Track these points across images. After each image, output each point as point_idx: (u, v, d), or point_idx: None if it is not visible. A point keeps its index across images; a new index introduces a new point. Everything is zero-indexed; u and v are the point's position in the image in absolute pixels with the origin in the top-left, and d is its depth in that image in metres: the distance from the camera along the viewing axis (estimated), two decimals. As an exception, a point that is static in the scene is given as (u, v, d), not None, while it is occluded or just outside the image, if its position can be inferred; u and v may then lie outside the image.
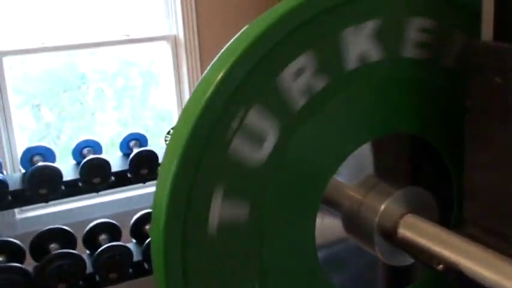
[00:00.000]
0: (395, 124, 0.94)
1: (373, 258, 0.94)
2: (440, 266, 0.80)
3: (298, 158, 0.86)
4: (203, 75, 0.83)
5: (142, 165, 2.56)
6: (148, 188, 2.86)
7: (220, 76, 0.80)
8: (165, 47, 3.11)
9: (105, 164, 2.51)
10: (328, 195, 0.91)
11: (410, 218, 0.89)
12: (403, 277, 1.01)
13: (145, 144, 2.74)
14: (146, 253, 2.57)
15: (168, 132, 2.74)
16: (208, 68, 0.83)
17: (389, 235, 0.89)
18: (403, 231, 0.88)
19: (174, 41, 3.07)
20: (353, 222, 0.92)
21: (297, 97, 0.85)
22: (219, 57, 0.82)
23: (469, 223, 0.89)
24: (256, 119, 0.82)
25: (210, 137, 0.80)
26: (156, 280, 0.83)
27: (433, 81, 0.95)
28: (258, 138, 0.83)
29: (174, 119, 3.14)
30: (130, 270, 2.56)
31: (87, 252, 2.60)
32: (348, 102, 0.89)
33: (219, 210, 0.82)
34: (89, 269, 2.48)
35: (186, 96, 3.07)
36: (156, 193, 0.83)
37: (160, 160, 2.57)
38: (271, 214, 0.85)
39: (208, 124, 0.80)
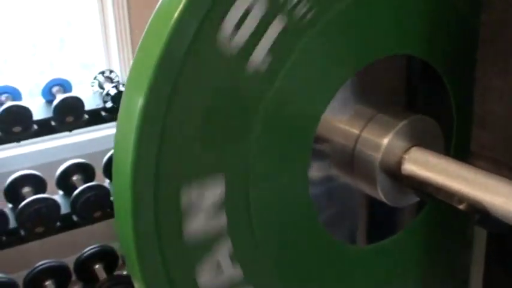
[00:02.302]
0: (389, 47, 0.78)
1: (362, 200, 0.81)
2: (463, 204, 0.67)
3: (284, 98, 0.69)
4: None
5: (67, 113, 2.30)
6: (75, 137, 2.62)
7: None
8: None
9: (26, 111, 2.24)
10: (321, 133, 0.74)
11: (417, 152, 0.74)
12: (394, 221, 0.88)
13: (70, 90, 2.46)
14: (74, 205, 2.35)
15: (95, 78, 2.49)
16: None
17: (394, 173, 0.74)
18: (410, 167, 0.74)
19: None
20: (350, 160, 0.77)
21: None
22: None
23: (476, 156, 0.76)
24: None
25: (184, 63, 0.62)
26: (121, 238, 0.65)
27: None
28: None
29: (97, 67, 2.86)
30: (58, 223, 2.33)
31: (9, 205, 2.35)
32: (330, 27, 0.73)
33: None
34: (12, 223, 2.25)
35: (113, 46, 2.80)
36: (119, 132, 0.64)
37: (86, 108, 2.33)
38: (260, 156, 0.68)
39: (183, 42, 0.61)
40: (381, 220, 0.86)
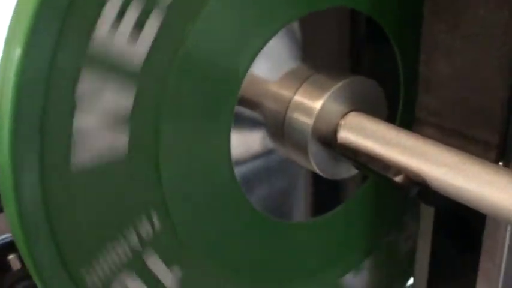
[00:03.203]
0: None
1: (298, 172, 0.72)
2: (399, 176, 0.59)
3: (198, 54, 0.60)
4: None
5: None
6: None
7: None
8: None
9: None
10: (244, 97, 0.65)
11: (354, 117, 0.65)
12: (333, 195, 0.79)
13: None
14: None
15: None
16: None
17: (328, 141, 0.66)
18: (346, 134, 0.65)
19: None
20: (280, 128, 0.68)
21: None
22: None
23: (421, 122, 0.67)
24: None
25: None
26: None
27: None
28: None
29: None
30: None
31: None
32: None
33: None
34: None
35: None
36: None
37: None
38: (170, 128, 0.59)
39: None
40: (319, 194, 0.77)
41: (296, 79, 0.67)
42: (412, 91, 0.68)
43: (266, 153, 0.70)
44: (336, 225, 0.75)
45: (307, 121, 0.64)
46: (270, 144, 0.69)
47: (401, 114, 0.75)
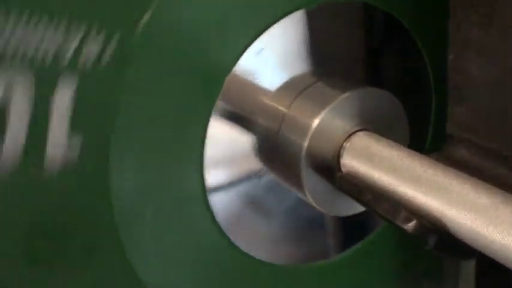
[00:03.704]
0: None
1: (297, 204, 0.58)
2: (411, 223, 0.44)
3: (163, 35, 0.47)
4: None
5: None
6: None
7: None
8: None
9: None
10: (226, 107, 0.52)
11: (362, 139, 0.51)
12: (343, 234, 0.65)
13: None
14: None
15: None
16: None
17: (328, 168, 0.52)
18: (351, 161, 0.51)
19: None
20: (272, 150, 0.55)
21: None
22: None
23: (453, 141, 0.53)
24: None
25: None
26: None
27: None
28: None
29: None
30: None
31: None
32: None
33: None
34: None
35: None
36: None
37: None
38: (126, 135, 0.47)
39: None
40: (325, 232, 0.63)
41: (294, 88, 0.54)
42: (446, 102, 0.54)
43: (255, 179, 0.57)
44: (345, 270, 0.61)
45: (300, 142, 0.50)
46: (260, 168, 0.56)
47: (433, 132, 0.60)
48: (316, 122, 0.49)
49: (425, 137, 0.59)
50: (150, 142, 0.47)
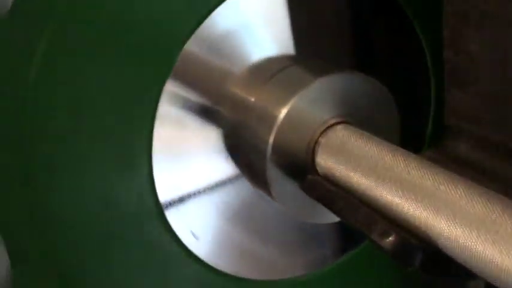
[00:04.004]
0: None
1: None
2: (389, 238, 0.36)
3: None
4: None
5: None
6: None
7: None
8: None
9: None
10: (178, 89, 0.44)
11: (340, 133, 0.43)
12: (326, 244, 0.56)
13: None
14: None
15: None
16: None
17: (299, 168, 0.44)
18: (325, 161, 0.43)
19: None
20: (236, 146, 0.47)
21: None
22: None
23: (454, 133, 0.44)
24: None
25: None
26: None
27: None
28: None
29: None
30: None
31: None
32: None
33: None
34: None
35: None
36: None
37: None
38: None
39: None
40: (306, 241, 0.54)
41: (264, 72, 0.46)
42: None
43: (222, 182, 0.49)
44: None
45: (266, 136, 0.42)
46: (223, 167, 0.48)
47: (433, 125, 0.51)
48: (283, 112, 0.41)
49: (423, 131, 0.51)
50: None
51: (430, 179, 0.35)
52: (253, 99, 0.44)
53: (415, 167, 0.36)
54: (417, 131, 0.50)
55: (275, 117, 0.41)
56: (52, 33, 0.36)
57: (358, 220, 0.35)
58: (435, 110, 0.50)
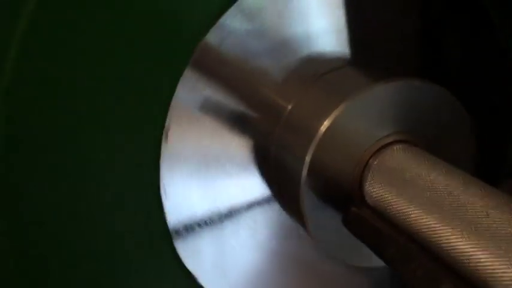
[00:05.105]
0: None
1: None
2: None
3: None
4: None
5: None
6: None
7: None
8: None
9: None
10: (193, 92, 0.36)
11: (397, 156, 0.34)
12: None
13: None
14: None
15: None
16: None
17: (342, 197, 0.35)
18: (377, 190, 0.34)
19: None
20: (263, 157, 0.38)
21: None
22: None
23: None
24: None
25: None
26: None
27: None
28: None
29: None
30: None
31: None
32: None
33: None
34: None
35: None
36: None
37: None
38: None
39: None
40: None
41: (306, 73, 0.37)
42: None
43: (247, 204, 0.40)
44: None
45: (302, 154, 0.33)
46: (250, 187, 0.39)
47: None
48: (325, 124, 0.32)
49: (505, 156, 0.41)
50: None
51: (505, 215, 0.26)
52: (289, 106, 0.35)
53: (495, 206, 0.27)
54: (497, 155, 0.40)
55: (315, 130, 0.32)
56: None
57: (416, 275, 0.26)
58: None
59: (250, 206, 0.39)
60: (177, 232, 0.36)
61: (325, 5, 0.37)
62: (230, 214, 0.38)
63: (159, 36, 0.32)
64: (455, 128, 0.35)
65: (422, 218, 0.29)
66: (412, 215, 0.30)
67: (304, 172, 0.33)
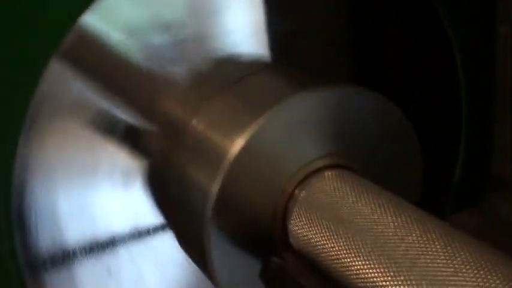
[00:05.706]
0: None
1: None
2: None
3: None
4: None
5: None
6: None
7: None
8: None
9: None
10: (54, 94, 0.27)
11: (329, 185, 0.27)
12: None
13: None
14: None
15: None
16: None
17: (261, 238, 0.27)
18: (303, 231, 0.26)
19: None
20: (160, 181, 0.30)
21: None
22: None
23: (504, 189, 0.29)
24: None
25: None
26: None
27: None
28: None
29: None
30: None
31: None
32: None
33: None
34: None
35: None
36: None
37: None
38: None
39: None
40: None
41: (215, 80, 0.29)
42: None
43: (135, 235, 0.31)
44: None
45: (207, 184, 0.26)
46: (142, 215, 0.31)
47: (466, 151, 0.35)
48: (238, 144, 0.25)
49: (450, 180, 0.35)
50: None
51: (451, 265, 0.19)
52: (194, 120, 0.28)
53: (439, 249, 0.20)
54: (444, 179, 0.33)
55: (225, 152, 0.25)
56: None
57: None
58: (468, 149, 0.34)
59: (138, 236, 0.30)
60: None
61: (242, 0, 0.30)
62: (113, 245, 0.29)
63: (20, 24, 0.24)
64: (399, 146, 0.28)
65: (366, 272, 0.22)
66: (352, 268, 0.22)
67: (210, 208, 0.25)
